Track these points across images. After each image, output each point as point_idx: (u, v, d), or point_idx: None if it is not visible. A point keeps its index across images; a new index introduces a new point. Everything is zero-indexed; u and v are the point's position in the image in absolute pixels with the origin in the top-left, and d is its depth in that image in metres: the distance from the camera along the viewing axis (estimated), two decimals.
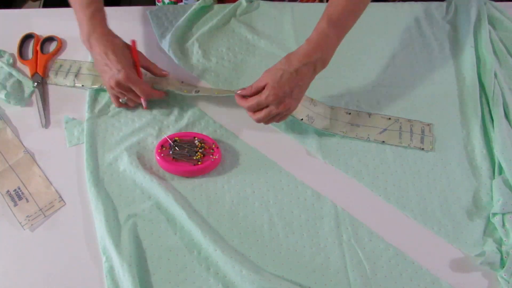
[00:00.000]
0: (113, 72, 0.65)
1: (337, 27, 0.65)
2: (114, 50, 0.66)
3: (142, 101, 0.71)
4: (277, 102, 0.63)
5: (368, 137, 0.73)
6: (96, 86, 0.74)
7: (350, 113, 0.75)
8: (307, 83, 0.66)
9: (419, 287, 0.62)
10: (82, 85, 0.75)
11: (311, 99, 0.73)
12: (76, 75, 0.76)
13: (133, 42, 0.70)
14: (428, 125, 0.75)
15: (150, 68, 0.72)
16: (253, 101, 0.64)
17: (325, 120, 0.73)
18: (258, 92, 0.65)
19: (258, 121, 0.66)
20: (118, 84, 0.66)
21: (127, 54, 0.68)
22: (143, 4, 0.86)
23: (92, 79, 0.75)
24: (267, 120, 0.66)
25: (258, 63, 0.80)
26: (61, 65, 0.78)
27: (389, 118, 0.75)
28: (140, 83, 0.67)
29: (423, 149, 0.72)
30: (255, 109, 0.66)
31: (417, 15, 0.87)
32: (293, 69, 0.63)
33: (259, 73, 0.66)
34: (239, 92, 0.67)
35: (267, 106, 0.64)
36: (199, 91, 0.73)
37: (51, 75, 0.77)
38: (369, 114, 0.75)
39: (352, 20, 0.67)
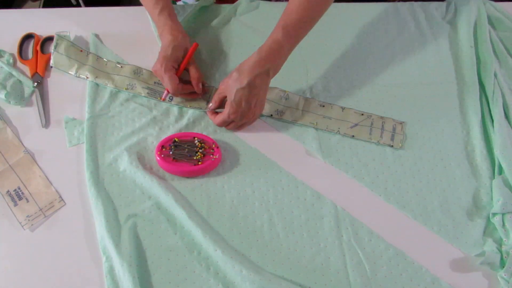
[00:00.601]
0: (156, 61, 0.70)
1: (292, 37, 0.66)
2: (168, 44, 0.70)
3: (165, 92, 0.73)
4: (240, 117, 0.68)
5: (339, 131, 0.73)
6: (100, 82, 0.74)
7: (323, 106, 0.75)
8: (265, 89, 0.68)
9: (419, 287, 0.62)
10: (87, 77, 0.75)
11: (283, 92, 0.75)
12: (81, 65, 0.76)
13: (195, 44, 0.72)
14: (401, 123, 0.75)
15: (192, 75, 0.72)
16: (219, 119, 0.70)
17: (297, 111, 0.74)
18: (221, 102, 0.70)
19: (230, 129, 0.73)
20: (155, 72, 0.71)
21: (177, 51, 0.70)
22: None
23: (96, 73, 0.75)
24: (237, 129, 0.72)
25: None
26: (65, 46, 0.76)
27: (362, 114, 0.75)
28: (168, 78, 0.69)
29: (392, 146, 0.73)
30: (223, 126, 0.72)
31: (417, 15, 0.87)
32: (245, 83, 0.65)
33: None
34: (209, 106, 0.72)
35: (233, 121, 0.70)
36: (172, 98, 0.74)
37: (53, 55, 0.76)
38: (342, 108, 0.75)
39: (307, 29, 0.68)
